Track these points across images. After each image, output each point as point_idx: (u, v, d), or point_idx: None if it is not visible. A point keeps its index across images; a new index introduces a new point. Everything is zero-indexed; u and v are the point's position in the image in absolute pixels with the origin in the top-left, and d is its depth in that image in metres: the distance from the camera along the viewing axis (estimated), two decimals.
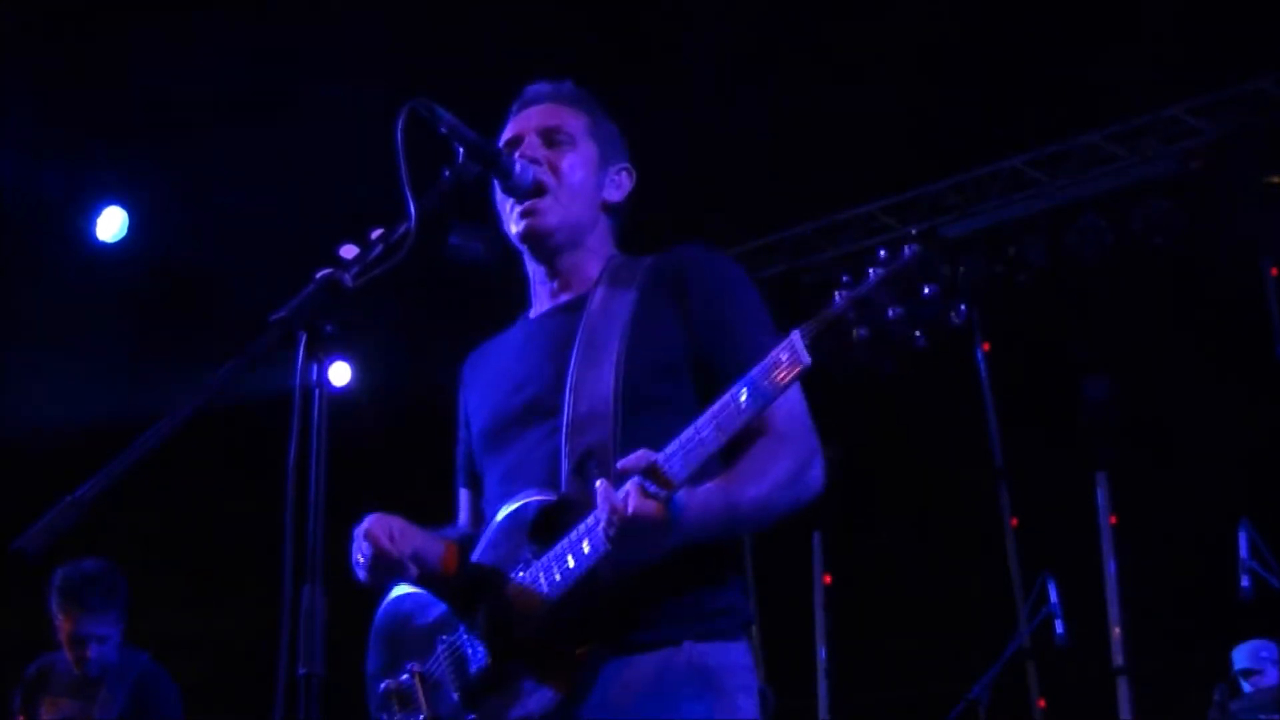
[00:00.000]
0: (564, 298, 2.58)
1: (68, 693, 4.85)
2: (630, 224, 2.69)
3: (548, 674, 2.27)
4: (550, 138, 2.55)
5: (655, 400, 2.37)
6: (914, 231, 1.95)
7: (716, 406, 2.12)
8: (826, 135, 7.17)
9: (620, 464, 2.16)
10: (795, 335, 2.07)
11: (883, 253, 2.05)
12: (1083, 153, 7.99)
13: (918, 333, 2.02)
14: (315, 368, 1.90)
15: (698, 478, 2.17)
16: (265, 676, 1.80)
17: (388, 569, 2.40)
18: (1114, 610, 7.81)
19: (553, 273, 2.59)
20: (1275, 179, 7.41)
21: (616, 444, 2.28)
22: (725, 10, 6.64)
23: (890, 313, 2.03)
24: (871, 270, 2.06)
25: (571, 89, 2.66)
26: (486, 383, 2.64)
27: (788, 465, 2.32)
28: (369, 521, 2.43)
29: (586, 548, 2.22)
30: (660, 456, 2.12)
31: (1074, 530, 8.07)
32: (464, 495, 2.74)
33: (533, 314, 2.64)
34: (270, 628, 1.83)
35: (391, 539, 2.39)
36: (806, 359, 2.05)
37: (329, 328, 1.92)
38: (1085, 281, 8.08)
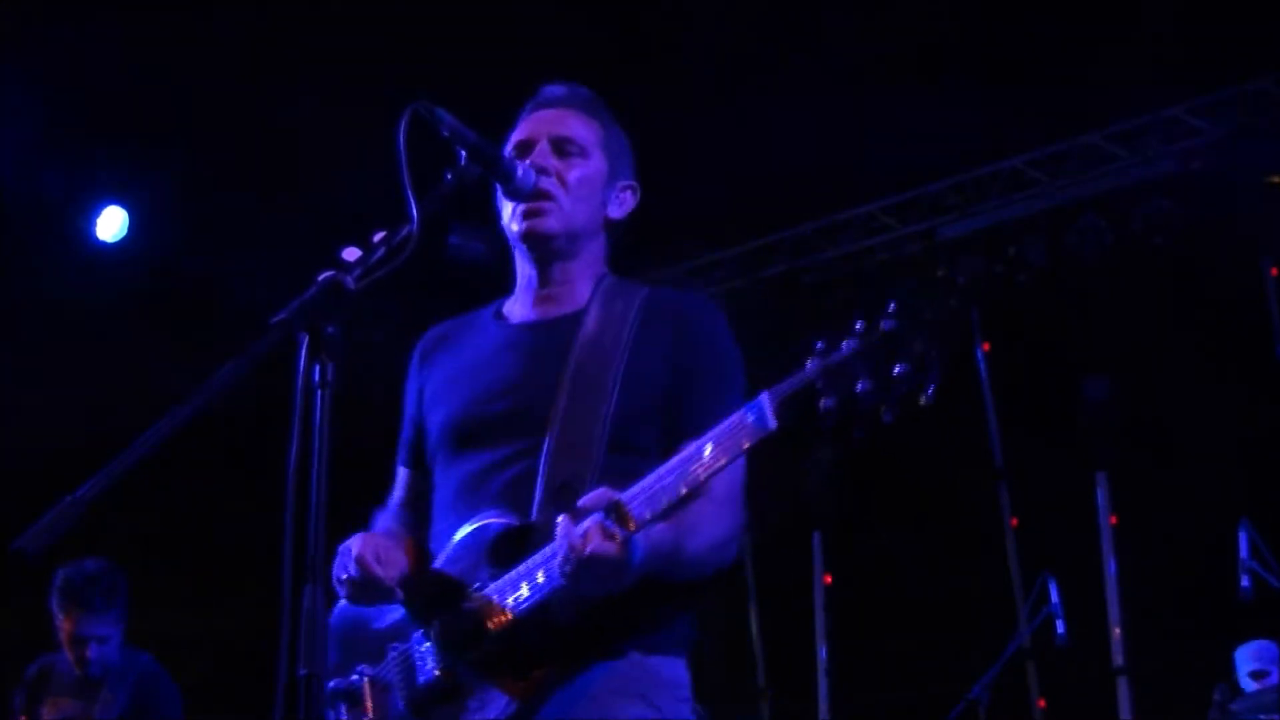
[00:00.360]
0: (554, 311, 2.58)
1: (69, 693, 4.85)
2: (629, 228, 2.69)
3: (500, 689, 2.29)
4: (562, 148, 2.55)
5: (637, 446, 2.40)
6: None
7: (681, 457, 2.16)
8: (826, 135, 7.17)
9: (581, 501, 2.19)
10: (764, 398, 2.10)
11: (860, 324, 2.07)
12: (1083, 153, 7.99)
13: (884, 409, 2.05)
14: (317, 369, 1.90)
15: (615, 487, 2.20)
16: (265, 677, 1.80)
17: (377, 594, 2.41)
18: (1114, 610, 7.81)
19: (544, 280, 2.58)
20: (1275, 179, 7.41)
21: (594, 481, 2.29)
22: (725, 10, 6.65)
23: (859, 386, 2.05)
24: (845, 342, 2.07)
25: (587, 96, 2.66)
26: (455, 375, 2.61)
27: (723, 531, 2.37)
28: (357, 543, 2.43)
29: (541, 578, 2.25)
30: (624, 496, 2.15)
31: (1074, 530, 8.07)
32: (403, 474, 2.73)
33: (515, 318, 2.62)
34: (270, 628, 1.82)
35: (379, 561, 2.39)
36: (772, 424, 2.09)
37: (331, 330, 1.92)
38: (1085, 281, 8.08)
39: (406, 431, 2.72)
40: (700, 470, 2.12)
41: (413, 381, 2.73)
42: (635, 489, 2.16)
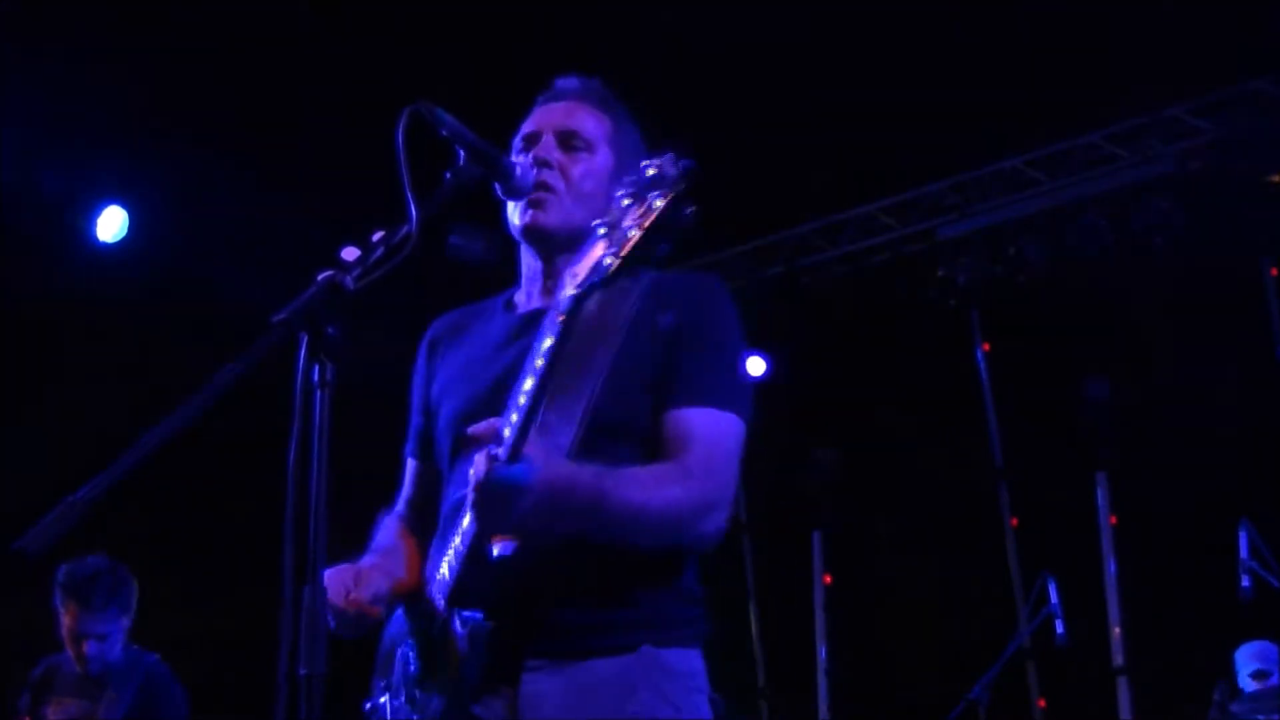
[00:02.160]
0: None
1: (73, 693, 4.85)
2: None
3: (490, 682, 2.28)
4: (567, 141, 2.53)
5: (624, 425, 2.35)
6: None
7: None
8: (826, 135, 7.18)
9: (470, 429, 2.17)
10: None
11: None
12: (1083, 153, 7.99)
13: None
14: (317, 369, 1.90)
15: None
16: (265, 676, 1.80)
17: (356, 623, 2.36)
18: (1114, 610, 7.81)
19: (549, 271, 2.56)
20: (1275, 178, 7.41)
21: (570, 459, 2.23)
22: (725, 9, 6.65)
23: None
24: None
25: (600, 89, 2.63)
26: (464, 367, 2.59)
27: (679, 494, 2.29)
28: (325, 582, 2.42)
29: (465, 522, 2.24)
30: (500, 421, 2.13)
31: (1074, 530, 8.07)
32: (411, 465, 2.72)
33: (521, 308, 2.60)
34: (270, 628, 1.83)
35: (348, 593, 2.35)
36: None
37: (330, 329, 1.92)
38: (1085, 281, 8.08)
39: (415, 420, 2.70)
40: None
41: (420, 369, 2.71)
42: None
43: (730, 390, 2.43)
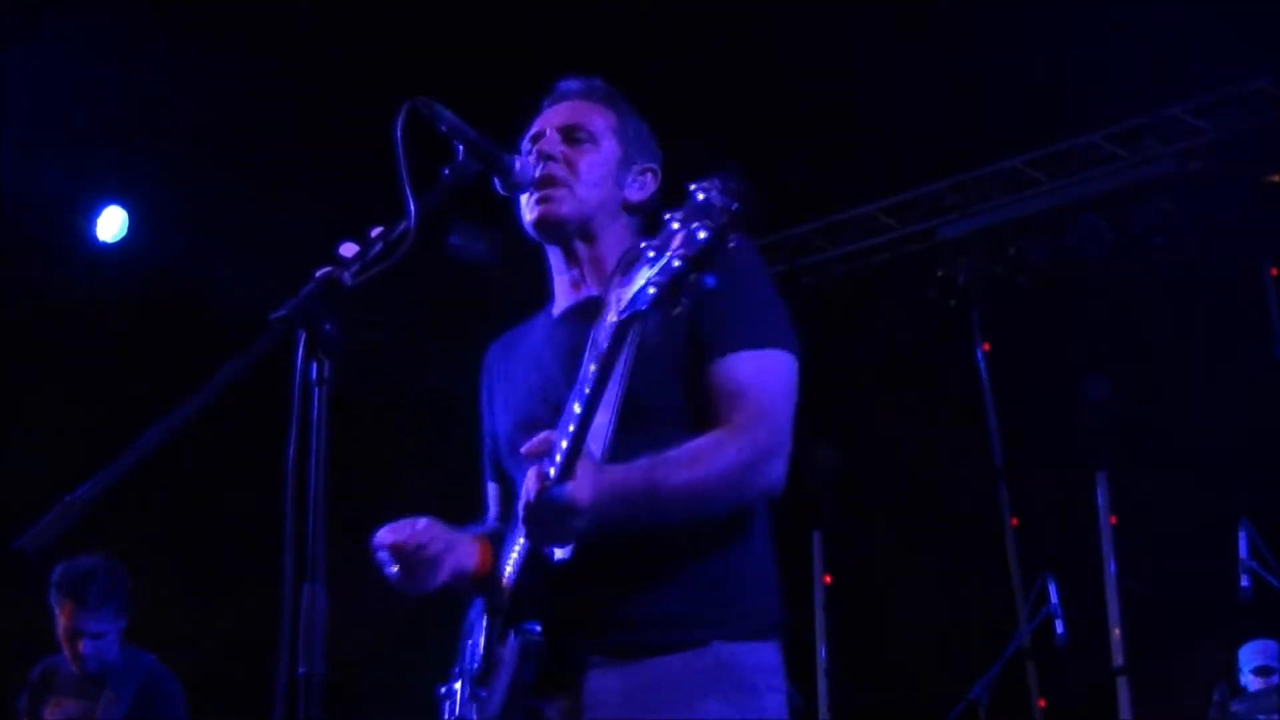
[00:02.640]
0: (584, 293, 2.54)
1: (71, 693, 4.84)
2: None
3: (552, 680, 2.26)
4: (571, 135, 2.53)
5: (654, 413, 2.32)
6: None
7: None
8: (827, 135, 7.17)
9: (523, 448, 2.16)
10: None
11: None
12: (1083, 153, 7.99)
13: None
14: (314, 366, 1.90)
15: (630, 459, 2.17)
16: (265, 676, 1.80)
17: (414, 566, 2.34)
18: (1114, 610, 7.81)
19: (571, 259, 2.55)
20: (1275, 178, 7.40)
21: (606, 456, 2.20)
22: (725, 9, 6.65)
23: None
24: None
25: (601, 87, 2.64)
26: (511, 383, 2.60)
27: (733, 456, 2.26)
28: (383, 528, 2.38)
29: (520, 542, 2.26)
30: (554, 435, 2.11)
31: (1074, 530, 8.07)
32: (491, 489, 2.71)
33: (555, 310, 2.61)
34: (270, 627, 1.82)
35: (413, 534, 2.34)
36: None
37: (328, 326, 1.92)
38: (1085, 281, 8.08)
39: (486, 444, 2.71)
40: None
41: (483, 395, 2.72)
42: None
43: (770, 327, 2.40)
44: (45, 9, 6.19)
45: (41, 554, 1.71)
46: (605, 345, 2.03)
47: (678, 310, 1.95)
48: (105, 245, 7.28)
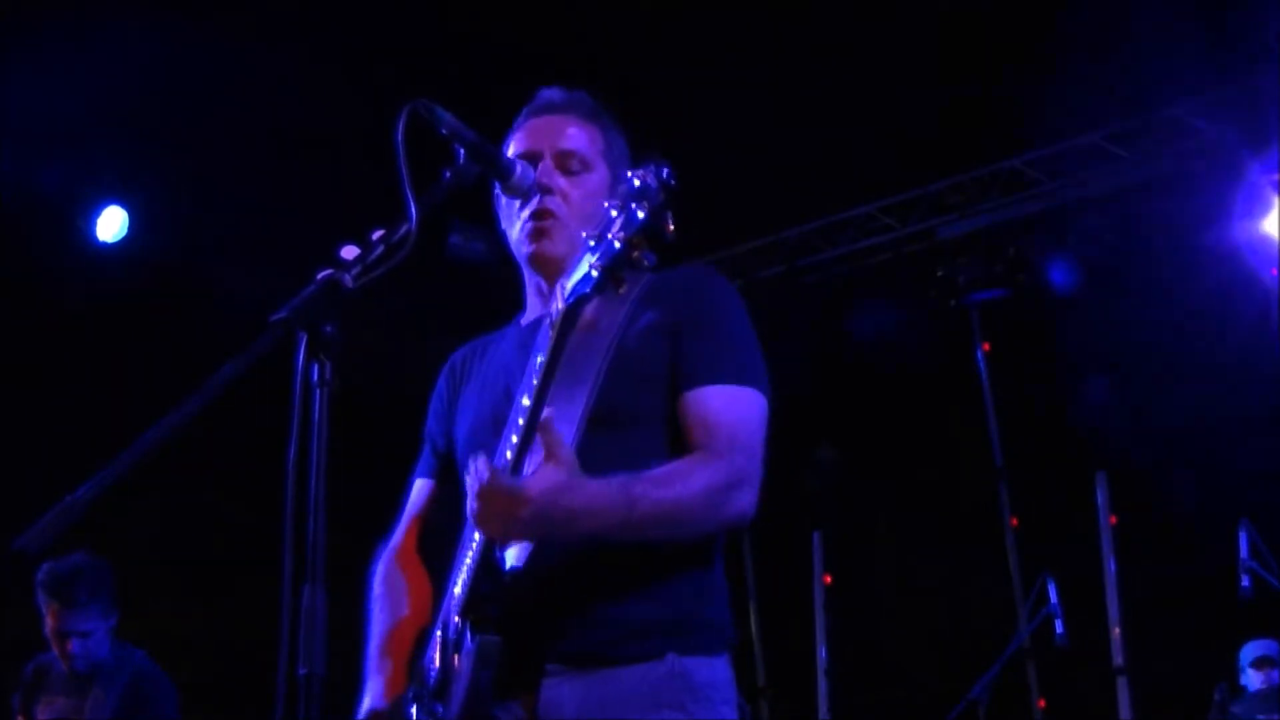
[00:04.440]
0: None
1: (62, 691, 4.84)
2: None
3: (509, 688, 2.26)
4: (566, 164, 2.53)
5: (627, 418, 2.34)
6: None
7: None
8: (826, 135, 7.17)
9: (473, 463, 2.17)
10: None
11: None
12: (1083, 153, 7.99)
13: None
14: (315, 368, 1.90)
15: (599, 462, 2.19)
16: (265, 676, 1.80)
17: None
18: (1114, 610, 7.81)
19: (551, 285, 2.52)
20: (1275, 178, 7.41)
21: (576, 449, 2.21)
22: (725, 9, 6.65)
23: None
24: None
25: (586, 101, 2.63)
26: (475, 388, 2.61)
27: (708, 479, 2.27)
28: None
29: (477, 536, 2.25)
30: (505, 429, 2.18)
31: (1074, 530, 8.07)
32: (419, 484, 2.70)
33: (524, 319, 2.62)
34: (270, 628, 1.82)
35: None
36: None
37: (329, 328, 1.92)
38: (1085, 281, 8.09)
39: (428, 442, 2.71)
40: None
41: (441, 393, 2.72)
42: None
43: (744, 366, 2.41)
44: (45, 9, 6.19)
45: (42, 554, 1.71)
46: (552, 334, 2.14)
47: (622, 290, 2.08)
48: (105, 245, 7.28)
